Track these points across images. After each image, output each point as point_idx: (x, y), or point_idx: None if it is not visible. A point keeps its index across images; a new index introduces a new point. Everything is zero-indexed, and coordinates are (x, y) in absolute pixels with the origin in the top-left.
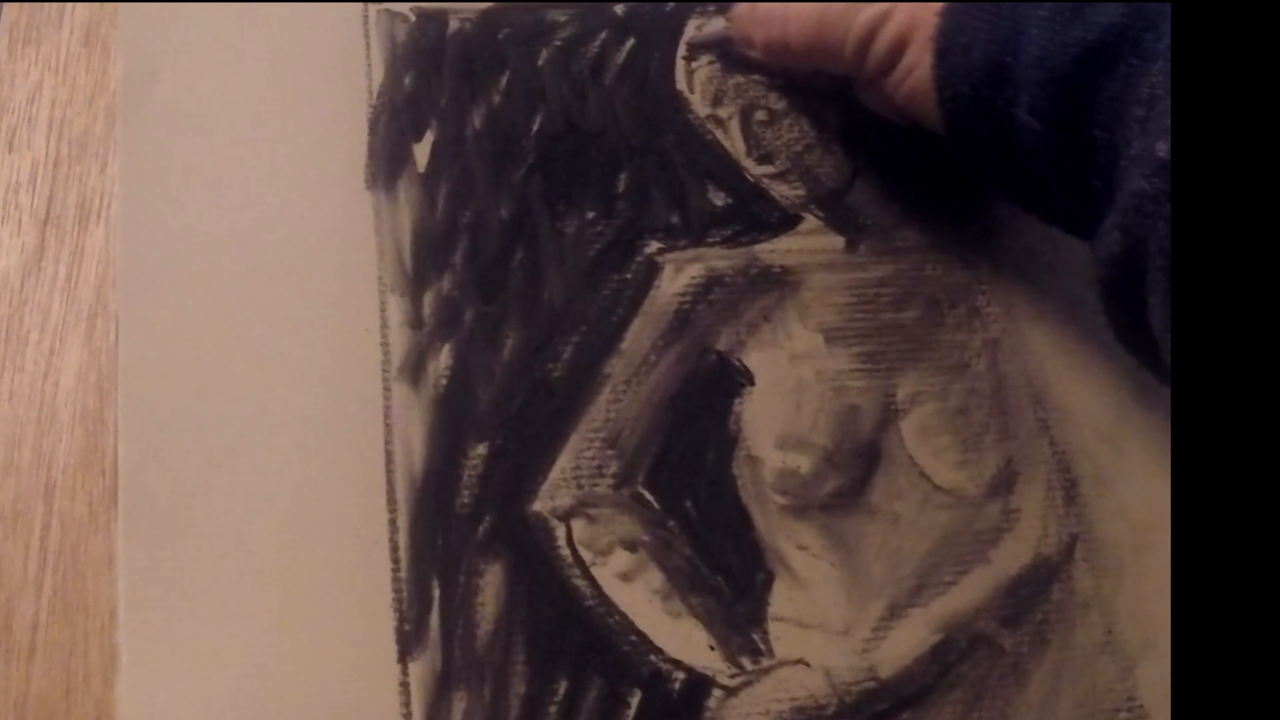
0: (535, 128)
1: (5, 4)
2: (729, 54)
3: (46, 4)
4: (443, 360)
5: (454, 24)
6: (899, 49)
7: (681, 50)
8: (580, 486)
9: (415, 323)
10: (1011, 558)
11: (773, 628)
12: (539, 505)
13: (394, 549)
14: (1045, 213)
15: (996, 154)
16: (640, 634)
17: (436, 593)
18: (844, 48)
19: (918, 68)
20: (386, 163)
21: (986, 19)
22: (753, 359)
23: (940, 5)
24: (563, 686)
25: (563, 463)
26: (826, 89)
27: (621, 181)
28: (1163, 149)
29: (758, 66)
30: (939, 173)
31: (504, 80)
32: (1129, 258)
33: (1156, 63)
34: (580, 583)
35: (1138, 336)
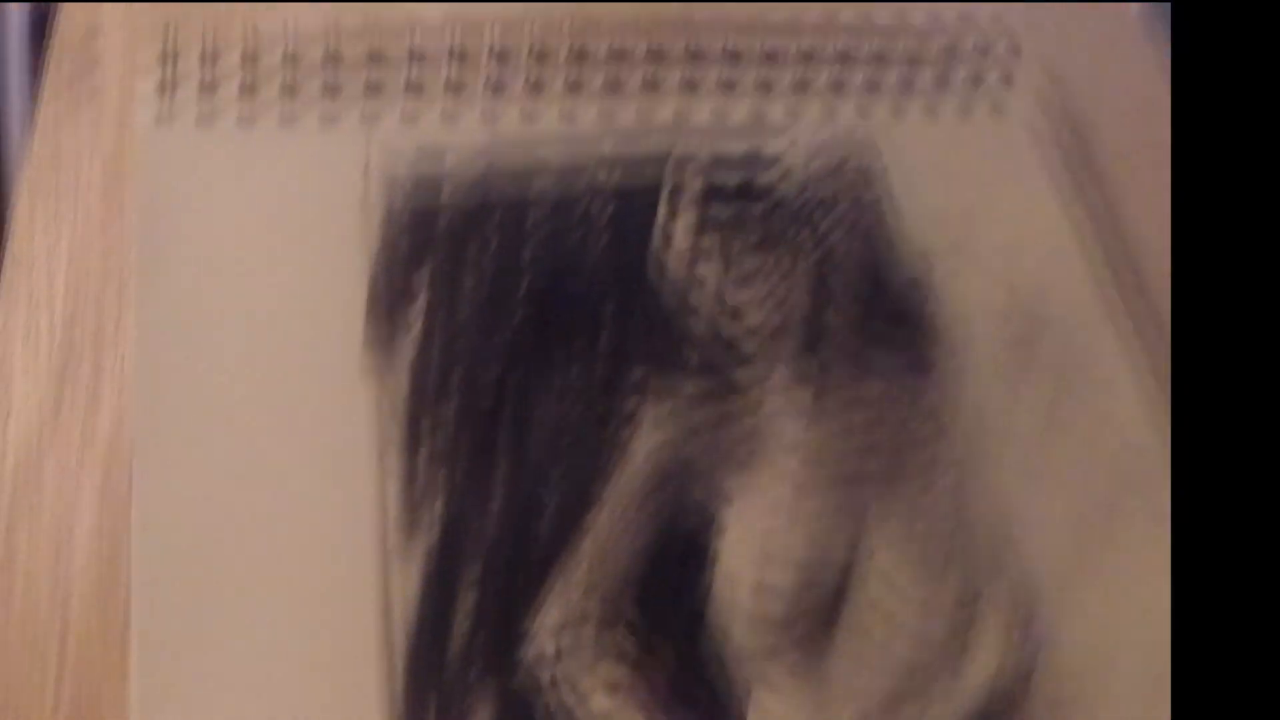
0: (522, 290)
1: (28, 160)
2: (705, 215)
3: (67, 166)
4: (436, 512)
5: (447, 190)
6: None
7: (660, 212)
8: (565, 633)
9: (410, 478)
10: (973, 687)
11: None
12: (527, 650)
13: (389, 693)
14: None
15: None
16: None
17: None
18: None
19: None
20: (383, 324)
21: None
22: (727, 508)
23: None
24: None
25: (548, 610)
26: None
27: (603, 341)
28: None
29: (733, 227)
30: (905, 320)
31: (494, 244)
32: None
33: None
34: None
35: None
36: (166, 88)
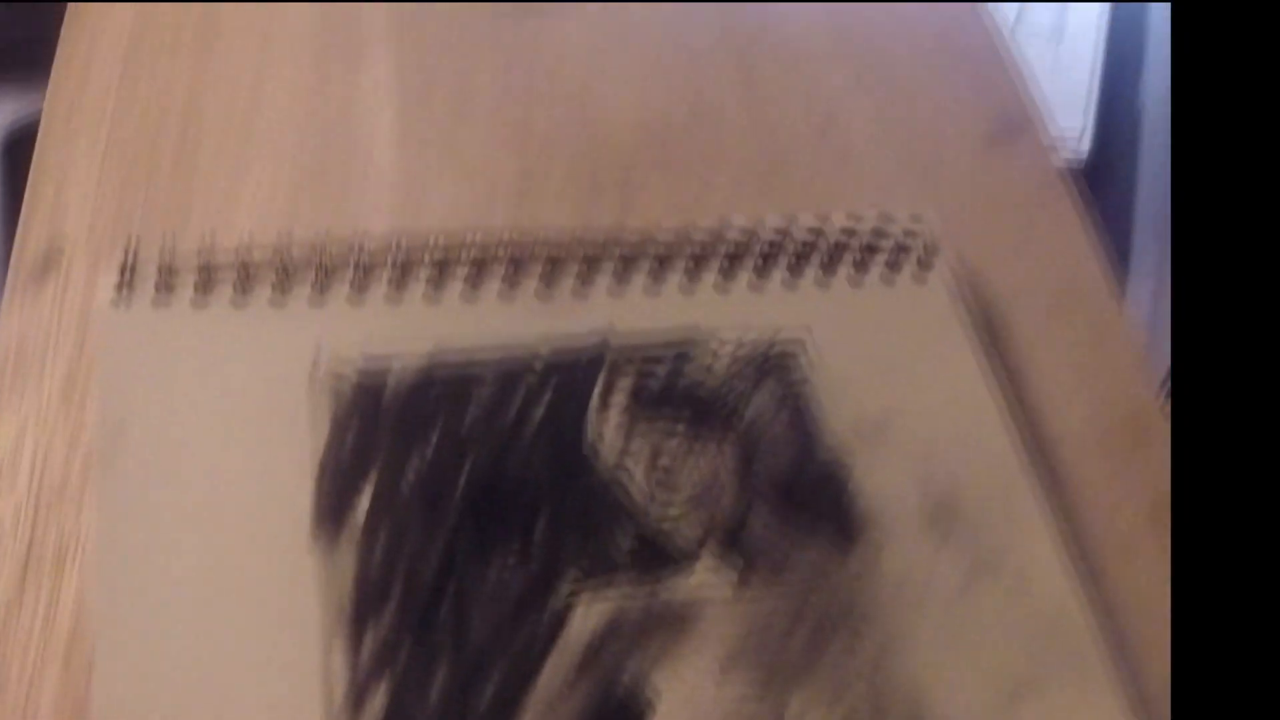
0: (462, 480)
1: None
2: (637, 403)
3: (29, 358)
4: (380, 698)
5: (391, 384)
6: None
7: (594, 401)
8: None
9: (355, 663)
10: None
11: None
12: None
13: None
14: None
15: None
16: None
17: None
18: None
19: None
20: (329, 515)
21: None
22: (656, 689)
23: None
24: None
25: None
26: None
27: (539, 528)
28: None
29: (662, 414)
30: (828, 501)
31: (435, 436)
32: None
33: None
34: None
35: None
36: (125, 287)
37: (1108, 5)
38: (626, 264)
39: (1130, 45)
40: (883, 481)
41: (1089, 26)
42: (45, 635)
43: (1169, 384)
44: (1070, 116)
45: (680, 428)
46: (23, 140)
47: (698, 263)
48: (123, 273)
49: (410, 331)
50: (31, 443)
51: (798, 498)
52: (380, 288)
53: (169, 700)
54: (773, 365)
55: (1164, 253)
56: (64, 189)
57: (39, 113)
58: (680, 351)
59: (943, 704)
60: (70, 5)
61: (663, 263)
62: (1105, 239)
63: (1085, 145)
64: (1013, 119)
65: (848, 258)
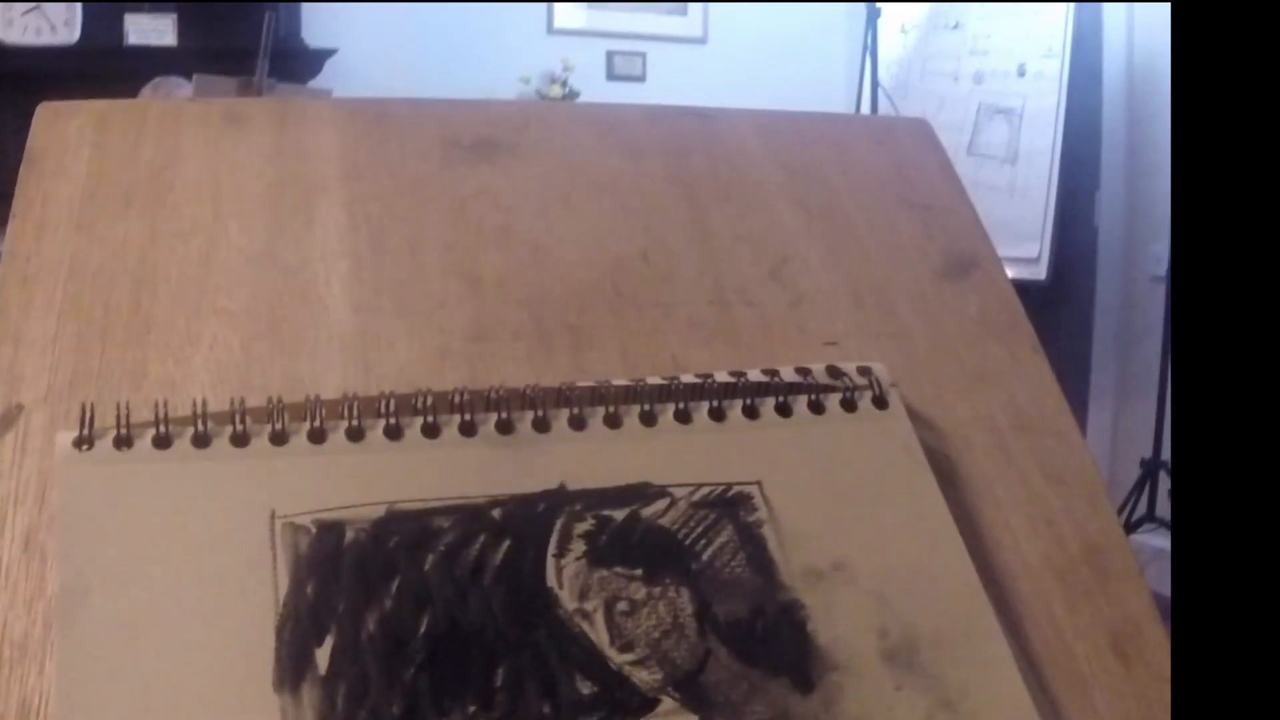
0: (423, 628)
1: None
2: (595, 549)
3: None
4: None
5: (350, 534)
6: None
7: (551, 547)
8: None
9: None
10: None
11: None
12: None
13: None
14: None
15: None
16: None
17: None
18: None
19: None
20: (291, 667)
21: None
22: None
23: None
24: None
25: None
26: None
27: (500, 675)
28: None
29: (620, 560)
30: (787, 641)
31: (395, 585)
32: None
33: None
34: None
35: None
36: (84, 442)
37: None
38: (581, 412)
39: (1084, 164)
40: (841, 622)
41: (1043, 148)
42: None
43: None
44: (1027, 239)
45: (638, 572)
46: None
47: (653, 408)
48: (82, 427)
49: (367, 482)
50: None
51: (757, 640)
52: (338, 438)
53: None
54: (729, 509)
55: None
56: (21, 349)
57: None
58: (636, 498)
59: None
60: (25, 157)
61: (618, 409)
62: (1064, 362)
63: (1043, 267)
64: (964, 254)
65: (803, 399)
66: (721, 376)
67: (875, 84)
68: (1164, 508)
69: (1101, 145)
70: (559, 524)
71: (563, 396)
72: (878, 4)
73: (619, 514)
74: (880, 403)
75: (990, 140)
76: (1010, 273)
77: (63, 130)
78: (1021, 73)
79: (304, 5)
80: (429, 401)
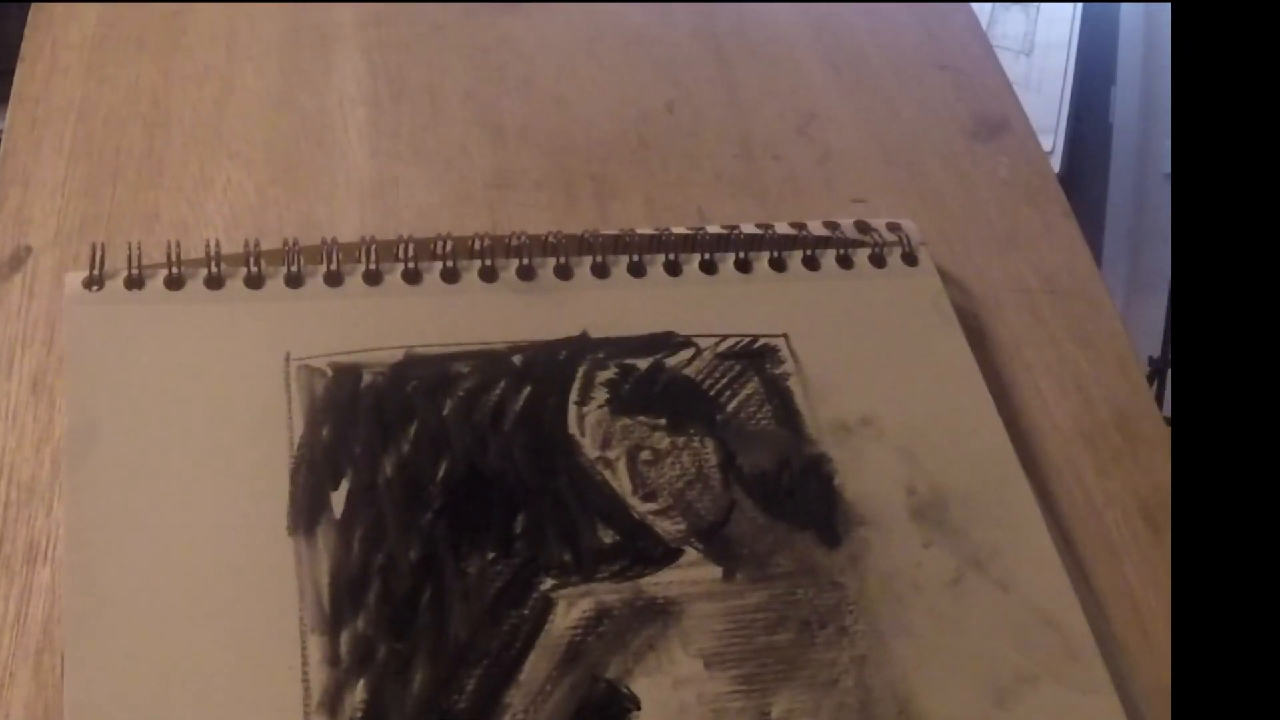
0: (441, 473)
1: None
2: (618, 397)
3: None
4: (358, 695)
5: (367, 377)
6: None
7: (574, 395)
8: None
9: (333, 660)
10: None
11: None
12: None
13: None
14: None
15: None
16: None
17: None
18: None
19: None
20: (306, 510)
21: None
22: (639, 685)
23: None
24: None
25: None
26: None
27: (519, 522)
28: None
29: (643, 408)
30: (814, 495)
31: (413, 429)
32: None
33: None
34: None
35: None
36: (94, 282)
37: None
38: (605, 260)
39: (1100, 60)
40: (869, 477)
41: (1060, 40)
42: (16, 636)
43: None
44: (1042, 133)
45: (662, 422)
46: None
47: (678, 258)
48: (92, 267)
49: (385, 325)
50: (0, 442)
51: (782, 493)
52: (355, 281)
53: (143, 700)
54: (755, 361)
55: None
56: (30, 191)
57: None
58: (660, 347)
59: (931, 702)
60: (33, 5)
61: (642, 258)
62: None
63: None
64: (995, 116)
65: (831, 253)
66: (748, 228)
67: None
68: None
69: (1119, 42)
70: (581, 371)
71: (586, 244)
72: None
73: (643, 363)
74: (909, 259)
75: (1007, 32)
76: None
77: None
78: None
79: None
80: (448, 246)
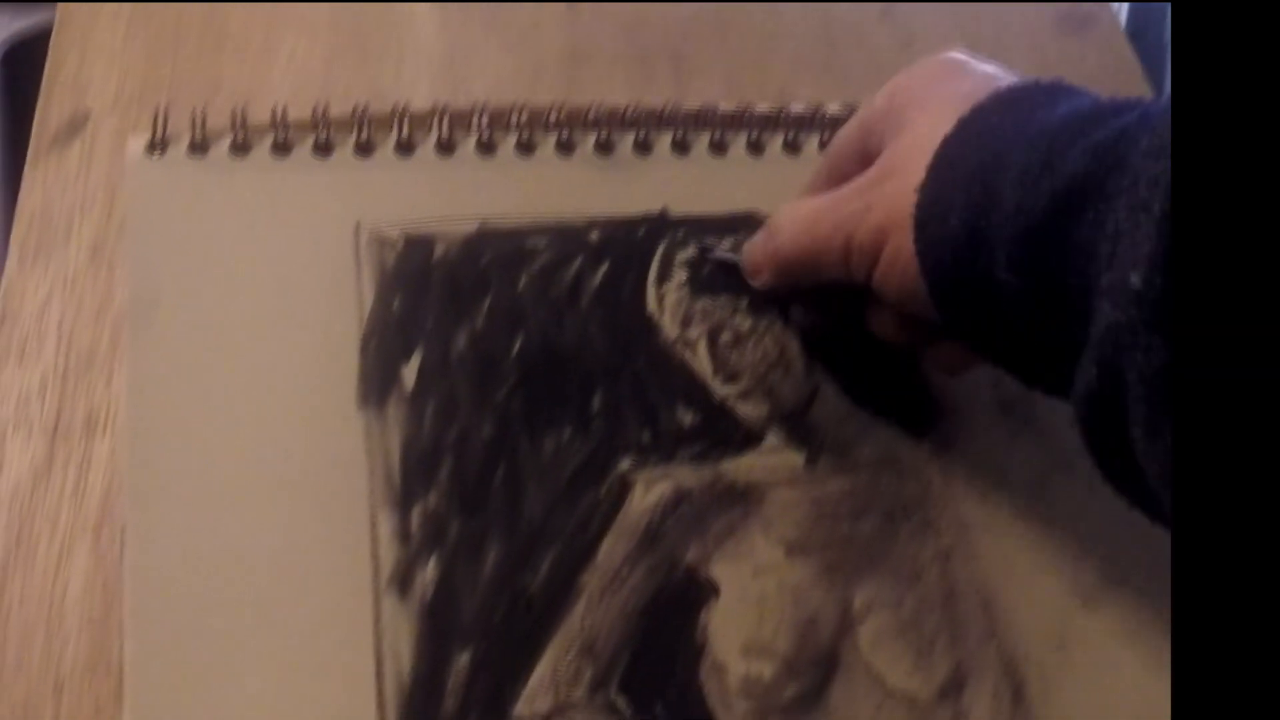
0: (515, 350)
1: (16, 219)
2: (697, 277)
3: (54, 224)
4: (429, 572)
5: (439, 250)
6: (880, 238)
7: (652, 274)
8: (558, 693)
9: (404, 536)
10: None
11: None
12: (520, 710)
13: None
14: (1032, 375)
15: (981, 317)
16: None
17: None
18: (834, 250)
19: (901, 249)
20: (376, 383)
21: (961, 186)
22: (718, 571)
23: (918, 183)
24: None
25: (541, 670)
26: (795, 311)
27: (596, 401)
28: (1135, 279)
29: (725, 288)
30: (897, 391)
31: (486, 304)
32: (1106, 392)
33: (1120, 199)
34: None
35: (1125, 474)
36: (157, 145)
37: None
38: (685, 136)
39: None
40: None
41: None
42: (75, 507)
43: None
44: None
45: (744, 304)
46: (21, 53)
47: (761, 136)
48: (155, 132)
49: (458, 197)
50: (58, 310)
51: (868, 379)
52: (427, 151)
53: (205, 574)
54: None
55: None
56: (87, 58)
57: (36, 26)
58: (742, 227)
59: (1016, 600)
60: None
61: (724, 135)
62: None
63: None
64: (1081, 9)
65: None
66: (833, 108)
67: None
68: None
69: None
70: (660, 250)
71: (665, 119)
72: None
73: (725, 243)
74: None
75: None
76: None
77: None
78: None
79: None
80: (524, 117)
